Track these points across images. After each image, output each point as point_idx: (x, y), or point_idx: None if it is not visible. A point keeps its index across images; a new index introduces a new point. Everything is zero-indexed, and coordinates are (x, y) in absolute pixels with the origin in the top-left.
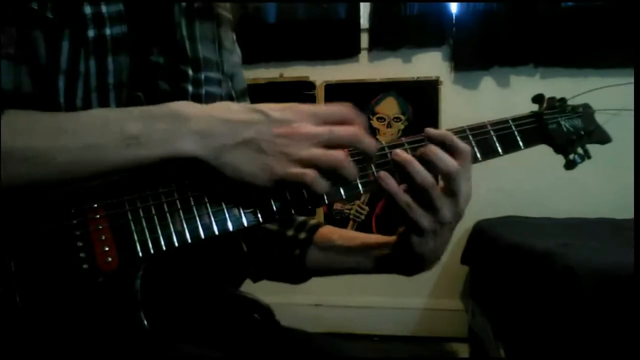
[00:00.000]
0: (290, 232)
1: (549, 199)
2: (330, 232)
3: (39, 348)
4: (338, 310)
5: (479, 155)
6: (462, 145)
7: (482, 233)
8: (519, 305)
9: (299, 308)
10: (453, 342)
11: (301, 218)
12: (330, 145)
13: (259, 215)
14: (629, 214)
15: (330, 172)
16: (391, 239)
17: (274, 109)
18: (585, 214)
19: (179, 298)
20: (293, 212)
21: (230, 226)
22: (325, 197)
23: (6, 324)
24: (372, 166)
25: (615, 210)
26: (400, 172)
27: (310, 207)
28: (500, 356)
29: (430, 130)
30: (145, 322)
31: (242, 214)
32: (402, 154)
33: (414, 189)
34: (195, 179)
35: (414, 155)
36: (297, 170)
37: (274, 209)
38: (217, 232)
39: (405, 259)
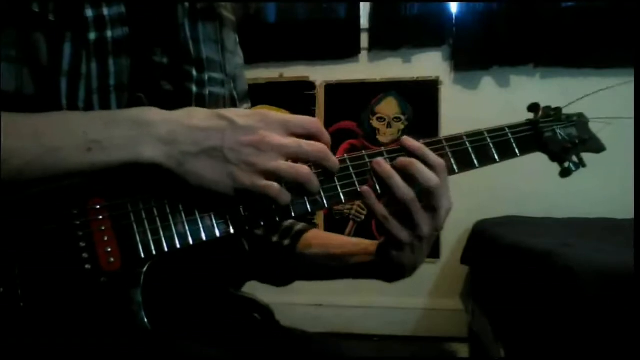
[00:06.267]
0: (275, 238)
1: (549, 199)
2: (313, 238)
3: (41, 348)
4: (338, 310)
5: (475, 161)
6: (435, 159)
7: (482, 233)
8: (519, 305)
9: (299, 308)
10: (453, 342)
11: (287, 223)
12: (296, 158)
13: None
14: (629, 214)
15: (294, 186)
16: (372, 247)
17: (241, 116)
18: (585, 214)
19: (180, 298)
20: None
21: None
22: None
23: (9, 324)
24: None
25: (615, 210)
26: (381, 183)
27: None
28: (500, 356)
29: (407, 142)
30: (147, 322)
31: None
32: (383, 166)
33: (393, 202)
34: (159, 185)
35: (393, 167)
36: (261, 182)
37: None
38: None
39: (383, 268)
